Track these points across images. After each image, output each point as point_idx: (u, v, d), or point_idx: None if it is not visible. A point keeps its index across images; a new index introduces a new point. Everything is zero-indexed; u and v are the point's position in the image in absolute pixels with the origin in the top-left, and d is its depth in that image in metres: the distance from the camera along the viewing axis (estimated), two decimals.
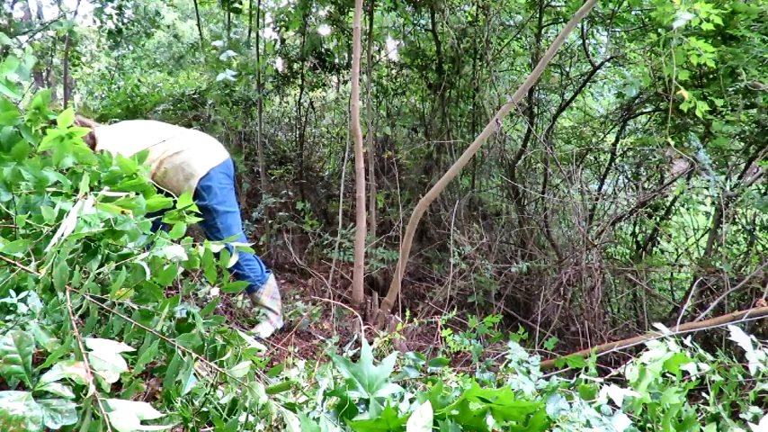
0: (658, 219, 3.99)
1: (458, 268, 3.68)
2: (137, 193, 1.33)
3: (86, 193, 1.19)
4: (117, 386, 1.10)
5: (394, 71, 5.38)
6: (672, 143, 2.90)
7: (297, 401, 1.33)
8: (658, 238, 4.19)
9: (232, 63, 4.33)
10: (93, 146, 2.37)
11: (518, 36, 4.80)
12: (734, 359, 1.71)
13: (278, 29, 4.84)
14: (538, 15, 4.26)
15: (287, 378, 1.64)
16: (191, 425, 1.19)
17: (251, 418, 1.19)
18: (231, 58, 4.02)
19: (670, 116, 3.30)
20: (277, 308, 2.84)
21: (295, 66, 5.14)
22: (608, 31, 4.18)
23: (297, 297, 3.55)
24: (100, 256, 1.17)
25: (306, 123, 5.65)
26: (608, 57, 3.99)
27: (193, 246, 1.31)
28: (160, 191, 1.45)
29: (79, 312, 1.05)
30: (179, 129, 2.66)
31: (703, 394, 1.63)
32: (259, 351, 1.33)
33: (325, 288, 3.70)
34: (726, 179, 2.93)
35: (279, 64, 5.10)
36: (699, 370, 1.61)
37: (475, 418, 1.10)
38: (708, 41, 2.62)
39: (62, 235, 1.06)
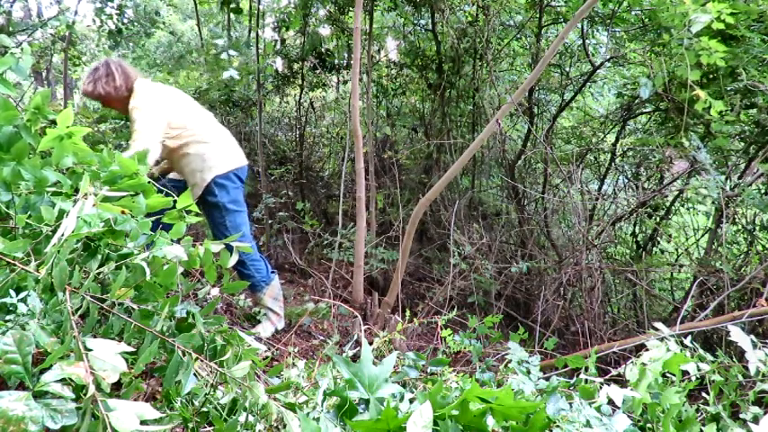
0: (658, 219, 3.99)
1: (458, 268, 3.67)
2: (137, 193, 1.33)
3: (86, 193, 1.19)
4: (117, 386, 1.10)
5: (394, 71, 5.38)
6: (686, 143, 2.89)
7: (297, 401, 1.33)
8: (658, 238, 4.19)
9: (233, 63, 4.33)
10: (127, 97, 2.42)
11: (518, 36, 4.80)
12: (734, 359, 1.71)
13: (278, 29, 4.84)
14: (538, 15, 4.26)
15: (287, 378, 1.64)
16: (191, 425, 1.19)
17: (251, 418, 1.19)
18: (232, 57, 4.01)
19: (671, 116, 3.30)
20: (279, 309, 2.84)
21: (295, 66, 5.14)
22: (608, 31, 4.17)
23: (298, 296, 3.55)
24: (100, 256, 1.17)
25: (306, 123, 5.65)
26: (608, 57, 3.99)
27: (193, 246, 1.31)
28: (159, 190, 1.44)
29: (79, 312, 1.05)
30: (213, 118, 2.69)
31: (703, 394, 1.63)
32: (259, 351, 1.33)
33: (326, 288, 3.70)
34: (726, 179, 2.93)
35: (279, 64, 5.10)
36: (699, 370, 1.61)
37: (475, 418, 1.10)
38: (708, 41, 2.61)
39: (62, 235, 1.06)
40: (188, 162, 2.52)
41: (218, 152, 2.54)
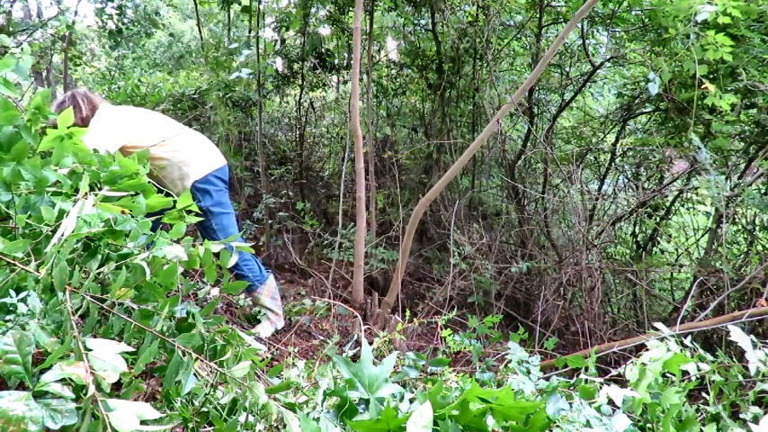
0: (658, 219, 3.99)
1: (458, 268, 3.67)
2: (137, 193, 1.33)
3: (86, 193, 1.19)
4: (117, 386, 1.10)
5: (394, 71, 5.38)
6: (694, 137, 2.88)
7: (297, 401, 1.33)
8: (658, 238, 4.19)
9: (232, 63, 4.33)
10: (89, 118, 2.42)
11: (518, 36, 4.80)
12: (734, 359, 1.71)
13: (278, 29, 4.84)
14: (538, 15, 4.26)
15: (287, 378, 1.64)
16: (191, 425, 1.19)
17: (251, 418, 1.19)
18: (231, 57, 4.01)
19: (671, 116, 3.29)
20: (277, 308, 2.85)
21: (295, 66, 5.14)
22: (608, 31, 4.17)
23: (298, 296, 3.55)
24: (100, 256, 1.17)
25: (306, 123, 5.65)
26: (608, 57, 3.99)
27: (193, 246, 1.31)
28: (159, 190, 1.45)
29: (79, 312, 1.05)
30: (182, 126, 2.69)
31: (703, 394, 1.63)
32: (259, 351, 1.33)
33: (325, 288, 3.70)
34: (726, 179, 2.93)
35: (279, 64, 5.10)
36: (699, 370, 1.61)
37: (475, 418, 1.10)
38: (715, 35, 2.59)
39: (62, 235, 1.06)
40: (166, 174, 2.54)
41: (192, 158, 2.56)
